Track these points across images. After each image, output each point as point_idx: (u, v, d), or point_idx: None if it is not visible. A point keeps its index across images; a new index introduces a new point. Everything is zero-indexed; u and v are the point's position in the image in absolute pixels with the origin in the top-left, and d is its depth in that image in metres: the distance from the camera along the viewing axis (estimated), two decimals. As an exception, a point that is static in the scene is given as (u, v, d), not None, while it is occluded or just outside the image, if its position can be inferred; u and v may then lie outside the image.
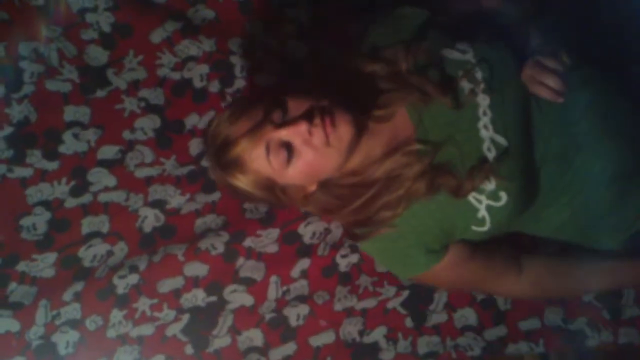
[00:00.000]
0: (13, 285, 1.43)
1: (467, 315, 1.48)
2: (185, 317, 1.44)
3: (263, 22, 1.60)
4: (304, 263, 1.47)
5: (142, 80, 1.56)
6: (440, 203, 1.15)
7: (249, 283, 1.46)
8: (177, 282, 1.45)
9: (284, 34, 1.59)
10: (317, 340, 1.46)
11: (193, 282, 1.45)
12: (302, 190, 1.17)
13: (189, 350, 1.43)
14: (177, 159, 1.52)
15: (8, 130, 1.49)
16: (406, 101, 1.16)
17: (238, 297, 1.46)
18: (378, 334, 1.47)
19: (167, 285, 1.45)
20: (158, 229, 1.49)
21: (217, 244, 1.46)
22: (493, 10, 1.29)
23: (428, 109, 1.15)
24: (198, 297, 1.44)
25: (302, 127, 1.05)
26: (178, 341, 1.43)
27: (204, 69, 1.56)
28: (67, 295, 1.43)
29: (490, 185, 1.12)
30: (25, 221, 1.46)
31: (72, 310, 1.42)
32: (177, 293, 1.45)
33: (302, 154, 1.07)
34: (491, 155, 1.12)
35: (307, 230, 1.48)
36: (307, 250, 1.48)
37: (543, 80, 1.10)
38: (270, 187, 1.13)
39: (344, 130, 1.07)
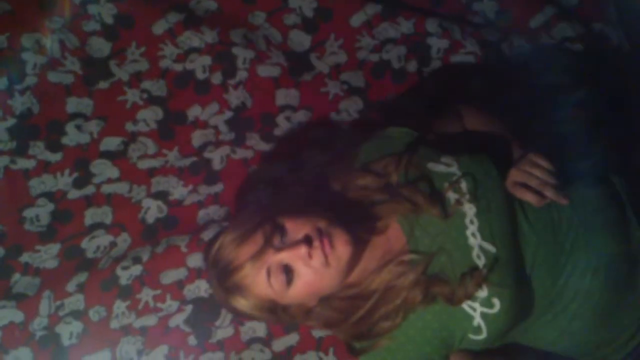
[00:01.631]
0: (17, 276, 1.44)
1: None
2: (189, 308, 1.44)
3: (266, 13, 1.60)
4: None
5: (145, 71, 1.56)
6: (436, 313, 1.16)
7: (251, 274, 1.46)
8: (180, 273, 1.45)
9: (287, 25, 1.59)
10: (320, 331, 1.46)
11: (196, 273, 1.45)
12: (303, 307, 1.19)
13: (192, 341, 1.43)
14: (179, 151, 1.53)
15: (11, 121, 1.50)
16: (398, 212, 1.19)
17: (241, 288, 1.46)
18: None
19: (170, 276, 1.45)
20: (161, 220, 1.49)
21: (220, 235, 1.46)
22: (476, 130, 1.35)
23: (418, 220, 1.18)
24: (201, 288, 1.44)
25: (302, 250, 1.08)
26: (181, 332, 1.43)
27: (207, 60, 1.56)
28: (71, 286, 1.43)
29: (482, 293, 1.13)
30: (29, 212, 1.47)
31: (76, 301, 1.42)
32: (180, 284, 1.45)
33: (302, 275, 1.10)
34: (481, 262, 1.14)
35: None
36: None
37: (534, 186, 1.11)
38: (272, 308, 1.16)
39: (342, 250, 1.10)
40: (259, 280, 1.11)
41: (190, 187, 1.51)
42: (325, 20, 1.59)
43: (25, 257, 1.45)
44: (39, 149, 1.49)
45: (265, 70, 1.56)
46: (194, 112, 1.55)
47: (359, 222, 1.17)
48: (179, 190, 1.50)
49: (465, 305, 1.14)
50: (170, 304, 1.44)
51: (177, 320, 1.43)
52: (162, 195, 1.50)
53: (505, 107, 1.41)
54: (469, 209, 1.16)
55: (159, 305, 1.43)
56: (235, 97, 1.55)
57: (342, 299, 1.19)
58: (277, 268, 1.10)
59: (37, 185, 1.48)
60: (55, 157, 1.49)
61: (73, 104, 1.52)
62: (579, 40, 1.57)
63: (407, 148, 1.25)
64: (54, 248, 1.45)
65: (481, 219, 1.15)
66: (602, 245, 1.19)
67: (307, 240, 1.08)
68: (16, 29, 1.53)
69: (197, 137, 1.53)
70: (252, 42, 1.57)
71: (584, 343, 1.26)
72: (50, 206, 1.47)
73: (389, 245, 1.19)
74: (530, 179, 1.12)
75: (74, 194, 1.48)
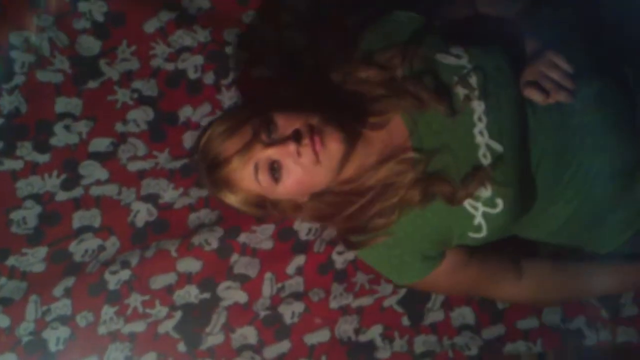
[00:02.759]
0: (3, 280, 1.41)
1: (465, 314, 1.46)
2: (178, 314, 1.42)
3: (260, 12, 1.56)
4: (300, 260, 1.45)
5: (135, 70, 1.52)
6: (436, 210, 1.14)
7: (243, 280, 1.44)
8: (169, 278, 1.42)
9: (281, 24, 1.55)
10: (312, 339, 1.44)
11: (186, 279, 1.43)
12: (293, 202, 1.17)
13: (181, 347, 1.41)
14: (170, 152, 1.49)
15: (-2, 121, 1.46)
16: (401, 108, 1.14)
17: (232, 294, 1.43)
18: (374, 333, 1.45)
19: (159, 281, 1.42)
20: (150, 224, 1.46)
21: (211, 240, 1.44)
22: (489, 16, 1.26)
23: (423, 116, 1.13)
24: (191, 293, 1.42)
25: (291, 147, 1.04)
26: (170, 338, 1.41)
27: (199, 60, 1.53)
28: (58, 291, 1.40)
29: (486, 192, 1.11)
30: (16, 215, 1.43)
31: (63, 306, 1.40)
32: (169, 289, 1.42)
33: (291, 172, 1.07)
34: (486, 161, 1.11)
35: (303, 227, 1.45)
36: (303, 247, 1.45)
37: (546, 88, 1.05)
38: (260, 203, 1.14)
39: (334, 148, 1.06)
40: (246, 175, 1.09)
41: (181, 189, 1.48)
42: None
43: (11, 261, 1.41)
44: (26, 150, 1.46)
45: (259, 70, 1.53)
46: (186, 112, 1.51)
47: (357, 118, 1.13)
48: (169, 193, 1.47)
49: (467, 205, 1.12)
50: (160, 310, 1.41)
51: (167, 326, 1.41)
52: (152, 198, 1.47)
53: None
54: (478, 106, 1.11)
55: (148, 310, 1.41)
56: (227, 97, 1.52)
57: (335, 194, 1.16)
58: (265, 164, 1.07)
59: (25, 186, 1.45)
60: (44, 158, 1.46)
61: (62, 104, 1.48)
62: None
63: (413, 36, 1.19)
64: (41, 251, 1.42)
65: (490, 117, 1.11)
66: (609, 147, 1.16)
67: (297, 137, 1.05)
68: (4, 26, 1.49)
69: (189, 139, 1.50)
70: (245, 41, 1.53)
71: (582, 235, 1.25)
72: (38, 208, 1.44)
73: (389, 140, 1.15)
74: (546, 80, 1.06)
75: (62, 196, 1.45)
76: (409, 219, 1.14)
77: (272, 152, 1.06)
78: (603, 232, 1.25)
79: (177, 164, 1.48)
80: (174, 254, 1.42)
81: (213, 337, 1.42)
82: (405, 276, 1.22)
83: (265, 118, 1.07)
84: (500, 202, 1.11)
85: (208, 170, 1.13)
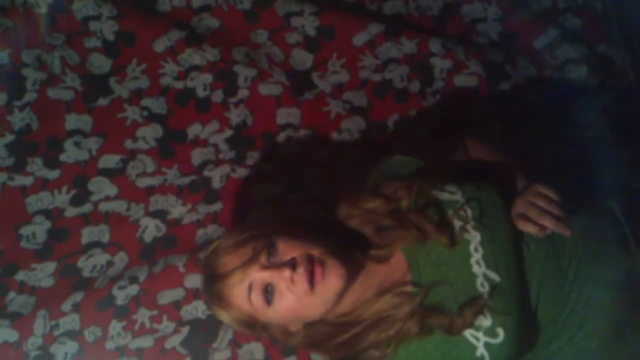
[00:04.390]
0: (12, 294, 1.42)
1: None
2: (185, 330, 1.42)
3: (268, 32, 1.59)
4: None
5: (145, 89, 1.55)
6: (437, 343, 1.12)
7: (250, 295, 1.44)
8: (177, 293, 1.43)
9: (289, 44, 1.58)
10: (319, 355, 1.43)
11: (194, 294, 1.43)
12: (285, 329, 1.16)
13: (188, 363, 1.41)
14: (179, 169, 1.51)
15: (9, 138, 1.48)
16: (406, 240, 1.16)
17: (239, 309, 1.44)
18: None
19: (167, 296, 1.43)
20: (159, 240, 1.47)
21: (219, 255, 1.44)
22: (479, 161, 1.32)
23: (422, 249, 1.15)
24: (198, 309, 1.42)
25: (285, 273, 1.05)
26: (177, 354, 1.40)
27: (208, 78, 1.55)
28: (66, 306, 1.41)
29: (486, 322, 1.10)
30: (25, 230, 1.45)
31: (71, 321, 1.40)
32: (177, 305, 1.43)
33: (283, 297, 1.07)
34: (485, 290, 1.11)
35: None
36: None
37: (532, 217, 1.07)
38: (251, 324, 1.14)
39: (334, 282, 1.07)
40: (240, 293, 1.08)
41: (189, 206, 1.49)
42: (329, 39, 1.59)
43: (20, 276, 1.43)
44: (37, 166, 1.48)
45: (267, 89, 1.55)
46: (194, 130, 1.53)
47: (360, 250, 1.15)
48: (177, 209, 1.48)
49: (468, 335, 1.11)
50: (167, 325, 1.42)
51: (174, 341, 1.41)
52: (160, 214, 1.48)
53: (508, 132, 1.40)
54: (474, 237, 1.13)
55: (156, 326, 1.41)
56: (236, 115, 1.54)
57: (330, 325, 1.16)
58: (259, 285, 1.07)
59: (35, 202, 1.46)
60: (53, 174, 1.48)
61: (72, 121, 1.51)
62: (582, 62, 1.56)
63: (414, 174, 1.24)
64: (50, 266, 1.43)
65: (485, 247, 1.13)
66: (605, 273, 1.18)
67: (293, 264, 1.05)
68: (17, 44, 1.52)
69: (197, 156, 1.52)
70: (254, 60, 1.56)
71: None
72: (47, 224, 1.45)
73: (389, 274, 1.16)
74: (531, 209, 1.08)
75: (71, 211, 1.47)
76: (410, 352, 1.13)
77: (267, 275, 1.07)
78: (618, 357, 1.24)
79: (186, 180, 1.50)
80: (181, 269, 1.43)
81: (220, 353, 1.41)
82: None
83: (267, 241, 1.09)
84: (501, 332, 1.10)
85: (207, 280, 1.14)
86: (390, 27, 1.59)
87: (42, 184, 1.47)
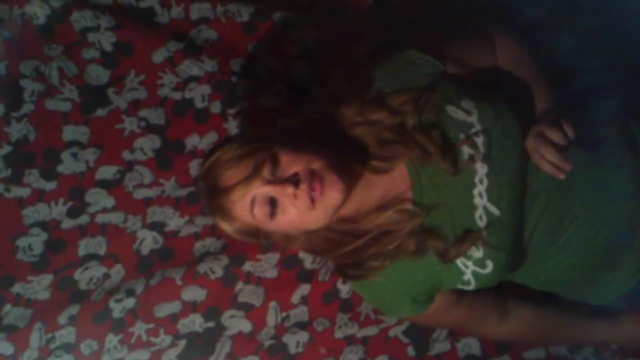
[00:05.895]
0: (8, 307, 1.40)
1: (471, 345, 1.45)
2: (182, 343, 1.41)
3: (266, 43, 1.58)
4: (305, 289, 1.45)
5: (143, 99, 1.54)
6: (428, 261, 1.16)
7: (247, 308, 1.43)
8: (174, 306, 1.42)
9: (287, 56, 1.57)
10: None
11: (191, 307, 1.42)
12: (287, 236, 1.19)
13: (185, 376, 1.40)
14: (177, 180, 1.50)
15: (6, 149, 1.47)
16: (407, 157, 1.15)
17: (236, 322, 1.43)
18: (379, 363, 1.44)
19: (164, 309, 1.42)
20: (156, 252, 1.46)
21: (216, 268, 1.44)
22: (504, 73, 1.25)
23: (426, 168, 1.15)
24: (195, 322, 1.42)
25: (288, 189, 1.06)
26: (174, 367, 1.40)
27: (206, 89, 1.55)
28: (62, 319, 1.40)
29: (477, 253, 1.12)
30: (22, 242, 1.44)
31: (67, 334, 1.39)
32: (174, 318, 1.42)
33: (286, 211, 1.09)
34: (482, 223, 1.12)
35: (308, 256, 1.45)
36: (308, 276, 1.45)
37: (545, 154, 1.04)
38: (254, 233, 1.16)
39: (332, 197, 1.08)
40: (243, 207, 1.10)
41: (187, 218, 1.48)
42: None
43: (16, 288, 1.41)
44: (34, 177, 1.47)
45: (265, 100, 1.54)
46: (192, 141, 1.53)
47: (361, 159, 1.15)
48: (175, 221, 1.48)
49: (458, 261, 1.14)
50: (164, 339, 1.41)
51: (170, 355, 1.41)
52: (157, 226, 1.47)
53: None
54: (481, 168, 1.12)
55: (152, 339, 1.41)
56: (234, 126, 1.53)
57: (332, 230, 1.17)
58: (262, 199, 1.08)
59: (31, 214, 1.45)
60: (50, 185, 1.47)
61: (70, 132, 1.50)
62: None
63: (427, 82, 1.18)
64: (47, 279, 1.42)
65: (491, 180, 1.11)
66: (609, 215, 1.17)
67: (296, 180, 1.06)
68: (15, 55, 1.52)
69: (195, 167, 1.51)
70: (252, 71, 1.55)
71: (573, 288, 1.29)
72: (44, 235, 1.45)
73: (392, 185, 1.16)
74: (550, 150, 1.02)
75: (68, 223, 1.46)
76: (402, 264, 1.16)
77: (270, 190, 1.08)
78: (595, 287, 1.27)
79: (183, 192, 1.49)
80: (179, 282, 1.42)
81: (217, 366, 1.41)
82: (394, 312, 1.28)
83: (269, 154, 1.09)
84: (490, 264, 1.13)
85: (208, 193, 1.15)
86: None
87: (39, 196, 1.46)
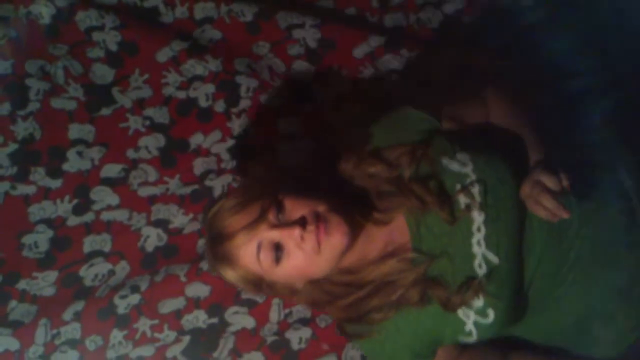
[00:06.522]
0: (13, 303, 1.42)
1: None
2: (186, 339, 1.42)
3: (269, 43, 1.60)
4: (307, 285, 1.46)
5: (148, 98, 1.56)
6: (430, 313, 1.15)
7: (251, 305, 1.45)
8: (178, 302, 1.44)
9: (290, 55, 1.59)
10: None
11: (194, 303, 1.44)
12: (290, 286, 1.18)
13: (189, 372, 1.41)
14: (181, 178, 1.52)
15: (12, 147, 1.49)
16: (406, 207, 1.16)
17: (240, 319, 1.44)
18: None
19: (168, 305, 1.43)
20: (160, 249, 1.48)
21: (220, 265, 1.45)
22: (497, 128, 1.27)
23: (424, 218, 1.16)
24: (199, 318, 1.43)
25: (295, 232, 1.07)
26: (178, 363, 1.41)
27: (210, 88, 1.56)
28: (68, 315, 1.41)
29: (478, 302, 1.12)
30: (27, 239, 1.45)
31: (72, 330, 1.40)
32: (178, 314, 1.43)
33: (291, 255, 1.09)
34: (481, 271, 1.12)
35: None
36: (310, 273, 1.46)
37: (542, 201, 1.05)
38: (257, 283, 1.15)
39: (337, 239, 1.08)
40: (249, 253, 1.10)
41: (191, 215, 1.50)
42: (330, 50, 1.60)
43: (22, 284, 1.43)
44: (39, 175, 1.48)
45: (268, 100, 1.56)
46: (196, 139, 1.54)
47: (362, 211, 1.15)
48: (179, 219, 1.49)
49: (459, 311, 1.13)
50: (168, 334, 1.42)
51: (175, 351, 1.42)
52: (162, 223, 1.49)
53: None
54: (478, 216, 1.13)
55: (157, 335, 1.42)
56: (237, 125, 1.55)
57: (334, 283, 1.17)
58: (268, 244, 1.08)
59: (37, 211, 1.47)
60: (56, 183, 1.48)
61: (75, 130, 1.51)
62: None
63: (422, 137, 1.21)
64: (52, 275, 1.44)
65: (489, 228, 1.12)
66: (608, 259, 1.17)
67: (302, 222, 1.06)
68: (21, 54, 1.53)
69: (199, 165, 1.53)
70: (256, 71, 1.57)
71: (574, 340, 1.25)
72: (49, 233, 1.46)
73: (391, 237, 1.17)
74: (546, 196, 1.04)
75: (73, 220, 1.47)
76: (403, 317, 1.16)
77: (276, 234, 1.08)
78: (598, 340, 1.25)
79: (188, 189, 1.51)
80: (183, 278, 1.44)
81: (221, 362, 1.42)
82: None
83: (274, 199, 1.10)
84: (491, 313, 1.13)
85: (211, 242, 1.15)
86: (391, 39, 1.60)
87: (45, 193, 1.48)
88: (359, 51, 1.60)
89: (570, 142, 1.29)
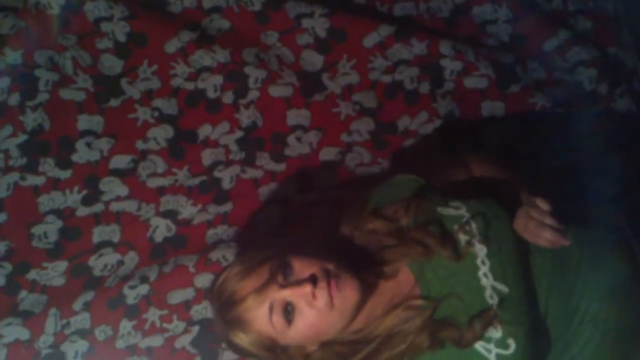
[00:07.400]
0: (23, 293, 1.43)
1: None
2: (195, 329, 1.42)
3: (278, 33, 1.59)
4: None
5: (156, 90, 1.56)
6: (449, 356, 1.13)
7: (259, 296, 1.45)
8: (187, 293, 1.44)
9: (299, 45, 1.58)
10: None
11: (203, 294, 1.44)
12: (303, 350, 1.15)
13: (198, 362, 1.42)
14: (189, 169, 1.52)
15: (22, 137, 1.50)
16: (409, 256, 1.16)
17: (248, 309, 1.44)
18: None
19: (177, 296, 1.43)
20: (169, 240, 1.48)
21: (228, 255, 1.45)
22: (483, 177, 1.34)
23: (429, 264, 1.16)
24: (208, 309, 1.43)
25: (307, 289, 1.05)
26: (187, 353, 1.41)
27: (218, 79, 1.56)
28: (77, 305, 1.42)
29: (497, 333, 1.10)
30: (37, 229, 1.46)
31: (82, 320, 1.41)
32: (187, 304, 1.43)
33: (304, 314, 1.07)
34: (494, 302, 1.11)
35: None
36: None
37: (539, 234, 1.09)
38: (271, 347, 1.13)
39: (349, 294, 1.07)
40: (260, 315, 1.08)
41: (200, 206, 1.50)
42: (339, 41, 1.59)
43: (32, 274, 1.44)
44: (49, 166, 1.49)
45: (277, 90, 1.56)
46: (205, 131, 1.54)
47: (367, 268, 1.15)
48: (188, 210, 1.49)
49: (480, 347, 1.11)
50: (177, 325, 1.42)
51: (184, 341, 1.42)
52: (171, 214, 1.49)
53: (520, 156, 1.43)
54: (480, 250, 1.14)
55: (166, 325, 1.42)
56: (246, 116, 1.55)
57: (343, 343, 1.15)
58: (280, 305, 1.07)
59: (46, 202, 1.47)
60: (65, 174, 1.49)
61: (84, 122, 1.52)
62: (593, 65, 1.56)
63: (415, 193, 1.24)
64: (61, 265, 1.45)
65: (492, 260, 1.13)
66: (612, 283, 1.18)
67: (313, 280, 1.06)
68: (30, 45, 1.54)
69: (207, 156, 1.53)
70: (264, 61, 1.57)
71: None
72: (59, 223, 1.47)
73: (398, 289, 1.17)
74: (530, 222, 1.10)
75: (82, 211, 1.48)
76: None
77: (287, 294, 1.06)
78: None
79: (196, 180, 1.51)
80: (191, 269, 1.44)
81: (229, 353, 1.41)
82: None
83: (282, 261, 1.09)
84: (512, 343, 1.10)
85: (221, 308, 1.12)
86: (401, 29, 1.59)
87: (54, 184, 1.48)
88: (369, 40, 1.59)
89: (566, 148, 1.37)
